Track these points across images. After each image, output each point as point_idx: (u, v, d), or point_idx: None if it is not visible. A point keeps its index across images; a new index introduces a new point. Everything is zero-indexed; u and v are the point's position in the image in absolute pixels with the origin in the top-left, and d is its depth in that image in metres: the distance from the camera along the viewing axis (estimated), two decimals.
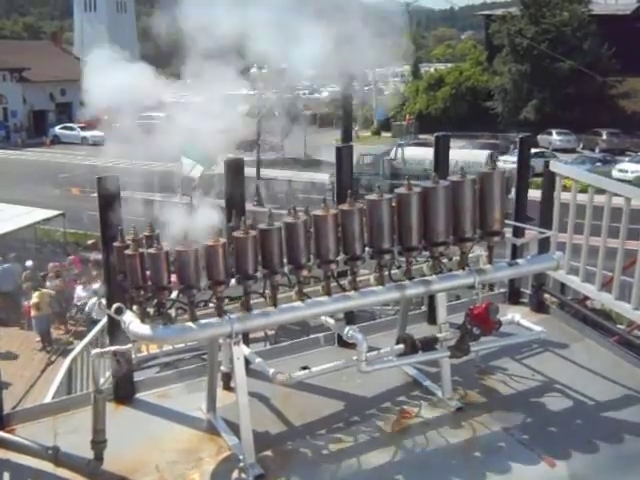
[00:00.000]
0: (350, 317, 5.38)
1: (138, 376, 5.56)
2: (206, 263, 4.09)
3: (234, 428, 4.53)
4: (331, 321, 4.93)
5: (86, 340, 9.24)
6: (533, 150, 7.40)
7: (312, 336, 6.32)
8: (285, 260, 4.30)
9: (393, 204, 4.44)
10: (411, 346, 4.68)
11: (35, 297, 17.52)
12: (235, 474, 4.30)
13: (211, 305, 4.23)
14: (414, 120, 54.53)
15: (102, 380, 4.45)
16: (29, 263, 20.14)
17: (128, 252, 4.06)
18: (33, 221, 23.20)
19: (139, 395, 5.23)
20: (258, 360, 4.79)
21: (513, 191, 6.38)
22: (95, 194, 4.79)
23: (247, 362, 4.61)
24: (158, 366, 7.95)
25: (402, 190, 4.46)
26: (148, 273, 4.05)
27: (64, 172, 42.27)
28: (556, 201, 6.35)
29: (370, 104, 60.41)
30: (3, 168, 43.85)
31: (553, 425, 4.74)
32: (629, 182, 24.00)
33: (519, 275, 5.70)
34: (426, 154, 27.33)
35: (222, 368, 5.10)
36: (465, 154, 28.74)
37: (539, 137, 44.29)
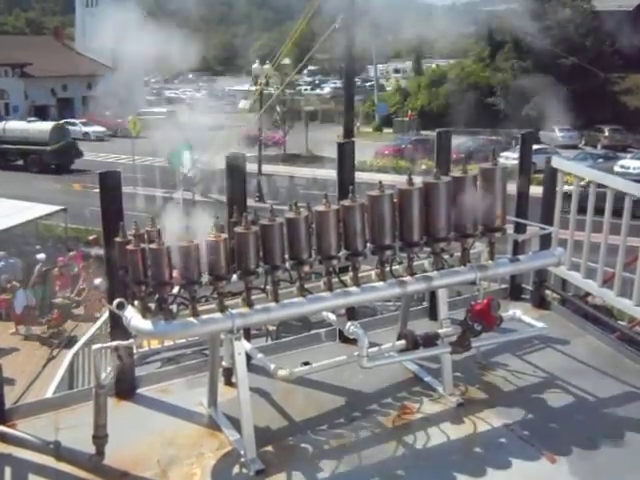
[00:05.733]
0: (351, 313, 5.38)
1: (139, 371, 5.58)
2: (207, 259, 4.09)
3: (235, 423, 4.54)
4: (332, 317, 4.93)
5: (88, 335, 9.27)
6: (535, 146, 7.39)
7: (313, 332, 6.32)
8: (286, 256, 4.30)
9: (395, 200, 4.44)
10: (412, 342, 4.68)
11: None
12: (236, 469, 4.30)
13: (212, 300, 4.23)
14: (416, 116, 54.52)
15: (103, 375, 4.44)
16: (41, 256, 20.08)
17: (130, 247, 4.06)
18: (34, 216, 23.19)
19: (140, 390, 5.24)
20: (259, 355, 4.80)
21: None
22: (97, 189, 4.79)
23: (248, 357, 4.62)
24: (159, 361, 7.97)
25: (403, 186, 4.46)
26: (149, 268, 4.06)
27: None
28: (558, 197, 6.34)
29: (372, 100, 60.40)
30: None
31: (554, 421, 4.74)
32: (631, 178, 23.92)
33: (520, 271, 5.70)
34: (21, 126, 44.40)
35: (223, 363, 5.11)
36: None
37: (541, 133, 44.21)
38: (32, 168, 42.23)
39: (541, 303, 6.54)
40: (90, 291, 18.60)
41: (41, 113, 62.10)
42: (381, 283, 4.51)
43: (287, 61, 37.33)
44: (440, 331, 4.81)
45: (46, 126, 44.68)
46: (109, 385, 4.92)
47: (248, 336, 5.31)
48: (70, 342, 16.21)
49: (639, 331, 6.42)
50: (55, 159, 42.76)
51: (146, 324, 4.04)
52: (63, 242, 24.36)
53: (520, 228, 5.92)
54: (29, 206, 23.62)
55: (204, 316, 4.11)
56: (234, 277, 4.24)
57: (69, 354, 9.34)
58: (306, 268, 4.32)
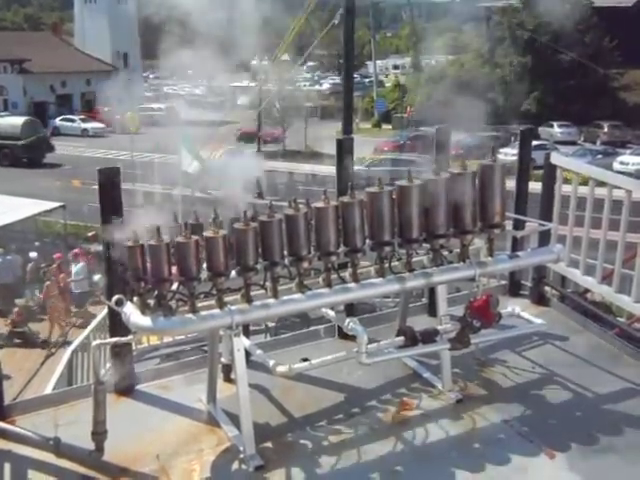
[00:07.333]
0: (350, 309, 5.39)
1: (138, 368, 5.58)
2: (206, 255, 4.09)
3: (234, 419, 4.54)
4: (331, 313, 4.94)
5: (87, 332, 9.27)
6: (534, 142, 7.37)
7: (312, 328, 6.33)
8: (286, 252, 4.30)
9: (394, 196, 4.44)
10: (411, 338, 4.69)
11: None
12: (235, 465, 4.31)
13: (212, 297, 4.23)
14: (415, 112, 54.43)
15: (103, 371, 4.44)
16: (33, 254, 19.99)
17: (129, 244, 4.06)
18: (33, 213, 23.14)
19: (139, 387, 5.24)
20: (258, 352, 4.80)
21: None
22: (96, 186, 4.79)
23: (247, 354, 4.62)
24: (159, 358, 7.97)
25: (403, 182, 4.46)
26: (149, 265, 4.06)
27: (65, 164, 42.36)
28: (557, 193, 6.34)
29: (371, 96, 60.33)
30: None
31: (553, 417, 4.75)
32: (630, 175, 23.95)
33: (519, 267, 5.70)
34: None
35: (222, 360, 5.11)
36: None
37: (540, 129, 44.15)
38: (4, 162, 42.73)
39: (540, 299, 6.54)
40: (52, 298, 17.52)
41: (40, 109, 61.99)
42: (380, 279, 4.52)
43: (286, 57, 37.28)
44: (439, 327, 4.81)
45: (18, 121, 45.84)
46: (108, 381, 4.92)
47: (247, 332, 5.31)
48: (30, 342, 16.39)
49: (638, 327, 6.44)
50: (27, 153, 43.47)
51: (145, 320, 4.05)
52: (62, 239, 24.31)
53: (519, 224, 5.91)
54: (28, 203, 23.56)
55: (203, 312, 4.12)
56: (233, 273, 4.24)
57: (68, 351, 9.32)
58: (305, 264, 4.32)
